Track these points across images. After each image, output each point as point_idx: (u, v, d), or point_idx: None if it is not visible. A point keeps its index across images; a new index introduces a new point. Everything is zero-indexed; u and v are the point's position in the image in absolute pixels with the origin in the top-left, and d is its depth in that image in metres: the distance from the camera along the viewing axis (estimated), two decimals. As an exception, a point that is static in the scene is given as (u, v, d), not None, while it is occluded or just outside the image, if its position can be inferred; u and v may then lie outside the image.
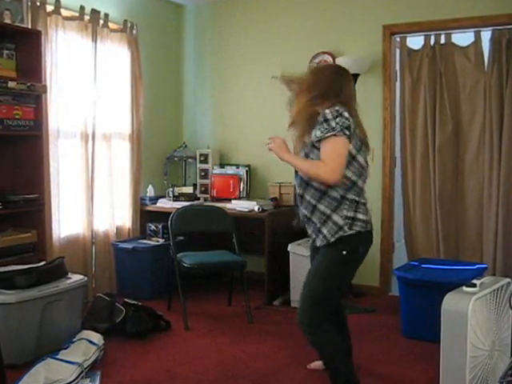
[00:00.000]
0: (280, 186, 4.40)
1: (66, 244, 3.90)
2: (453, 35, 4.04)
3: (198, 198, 4.67)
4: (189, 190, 4.68)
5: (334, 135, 2.22)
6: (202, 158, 4.84)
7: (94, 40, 4.04)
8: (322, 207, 2.33)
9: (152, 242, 4.30)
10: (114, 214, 4.31)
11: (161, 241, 4.29)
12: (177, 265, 3.66)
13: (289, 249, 3.97)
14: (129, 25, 4.36)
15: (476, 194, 4.03)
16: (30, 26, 3.52)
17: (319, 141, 2.27)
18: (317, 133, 2.28)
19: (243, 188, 4.66)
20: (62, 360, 2.70)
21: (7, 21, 3.32)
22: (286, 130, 2.52)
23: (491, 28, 3.88)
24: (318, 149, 2.28)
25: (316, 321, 2.37)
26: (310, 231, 2.44)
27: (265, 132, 5.13)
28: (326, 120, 2.25)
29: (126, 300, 3.50)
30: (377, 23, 4.22)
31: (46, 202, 3.56)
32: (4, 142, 3.40)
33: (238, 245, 3.87)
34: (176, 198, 4.51)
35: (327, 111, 2.27)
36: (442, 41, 4.06)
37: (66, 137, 3.91)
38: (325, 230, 2.33)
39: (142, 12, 4.61)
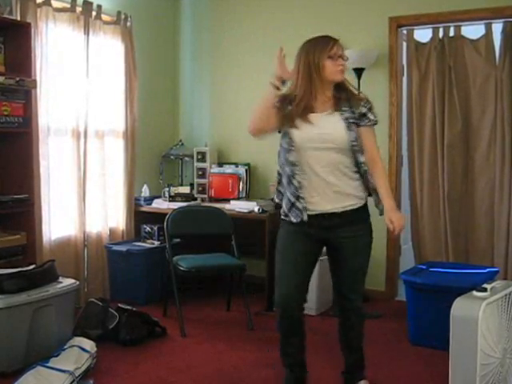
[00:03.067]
0: (281, 186, 4.39)
1: (57, 246, 3.91)
2: (462, 28, 4.04)
3: (196, 199, 4.67)
4: (185, 189, 4.68)
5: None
6: (199, 157, 4.84)
7: (86, 32, 4.04)
8: None
9: (147, 245, 4.30)
10: (107, 215, 4.31)
11: (156, 243, 4.29)
12: (173, 268, 3.66)
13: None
14: (123, 17, 4.36)
15: (487, 193, 4.03)
16: (18, 18, 3.53)
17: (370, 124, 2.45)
18: (371, 116, 2.43)
19: (243, 188, 4.66)
20: (52, 368, 2.70)
21: (-5, 12, 3.34)
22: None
23: (503, 20, 3.88)
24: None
25: None
26: None
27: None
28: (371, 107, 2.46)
29: (119, 305, 3.50)
30: (383, 15, 4.23)
31: (35, 202, 3.56)
32: (-8, 139, 3.41)
33: (237, 247, 3.88)
34: (172, 199, 4.51)
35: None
36: (451, 33, 4.06)
37: (57, 134, 3.91)
38: None
39: (137, 3, 4.61)
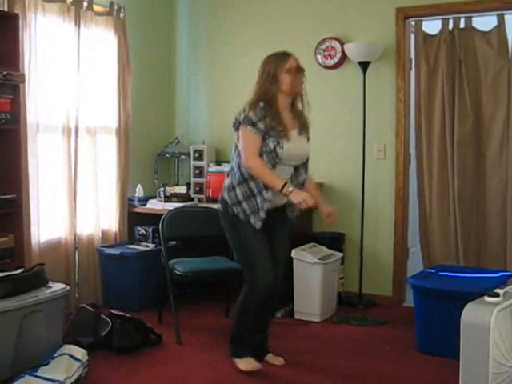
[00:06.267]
0: (282, 186, 4.39)
1: (47, 249, 3.91)
2: (474, 19, 4.04)
3: (192, 199, 4.67)
4: (182, 189, 4.68)
5: None
6: (196, 155, 4.84)
7: (77, 24, 4.04)
8: None
9: (141, 248, 4.30)
10: (99, 216, 4.32)
11: (151, 246, 4.30)
12: (168, 272, 3.66)
13: (292, 255, 3.97)
14: (116, 7, 4.36)
15: (499, 193, 4.03)
16: (6, 9, 3.53)
17: None
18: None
19: (242, 188, 4.66)
20: (41, 377, 2.70)
21: (-19, 3, 3.34)
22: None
23: (516, 11, 3.89)
24: None
25: None
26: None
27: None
28: None
29: (112, 311, 3.50)
30: (389, 6, 4.23)
31: (23, 203, 3.56)
32: (-22, 136, 3.41)
33: (236, 250, 3.87)
34: (168, 199, 4.51)
35: None
36: (462, 25, 4.07)
37: (47, 131, 3.91)
38: None
39: (131, -7, 4.62)
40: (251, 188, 2.89)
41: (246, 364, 3.03)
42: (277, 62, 2.92)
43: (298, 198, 2.74)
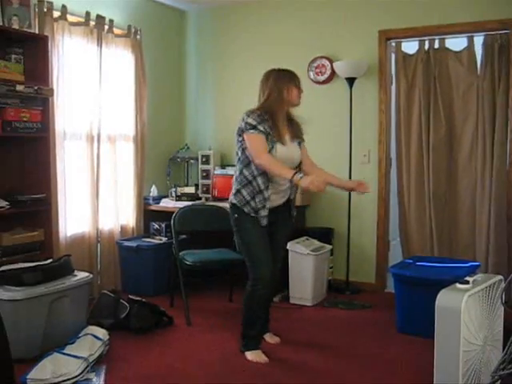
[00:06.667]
0: (279, 186, 4.38)
1: (72, 242, 3.91)
2: (446, 40, 4.04)
3: (200, 198, 4.67)
4: (191, 190, 4.68)
5: None
6: (203, 159, 4.83)
7: (99, 45, 4.04)
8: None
9: (155, 241, 4.30)
10: (118, 213, 4.31)
11: (164, 239, 4.29)
12: (179, 262, 3.66)
13: (288, 247, 3.97)
14: (133, 30, 4.36)
15: (469, 194, 4.03)
16: (37, 32, 3.53)
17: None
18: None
19: (243, 188, 4.64)
20: (68, 354, 2.70)
21: (15, 26, 3.33)
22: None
23: (484, 33, 3.88)
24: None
25: None
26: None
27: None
28: None
29: (130, 296, 3.50)
30: (373, 28, 4.22)
31: (52, 201, 3.56)
32: (12, 143, 3.40)
33: (238, 243, 3.86)
34: (178, 198, 4.51)
35: None
36: (436, 46, 4.06)
37: (72, 138, 3.91)
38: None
39: (146, 17, 4.61)
40: (255, 187, 2.85)
41: (254, 355, 2.93)
42: (288, 77, 2.93)
43: (306, 181, 2.63)
